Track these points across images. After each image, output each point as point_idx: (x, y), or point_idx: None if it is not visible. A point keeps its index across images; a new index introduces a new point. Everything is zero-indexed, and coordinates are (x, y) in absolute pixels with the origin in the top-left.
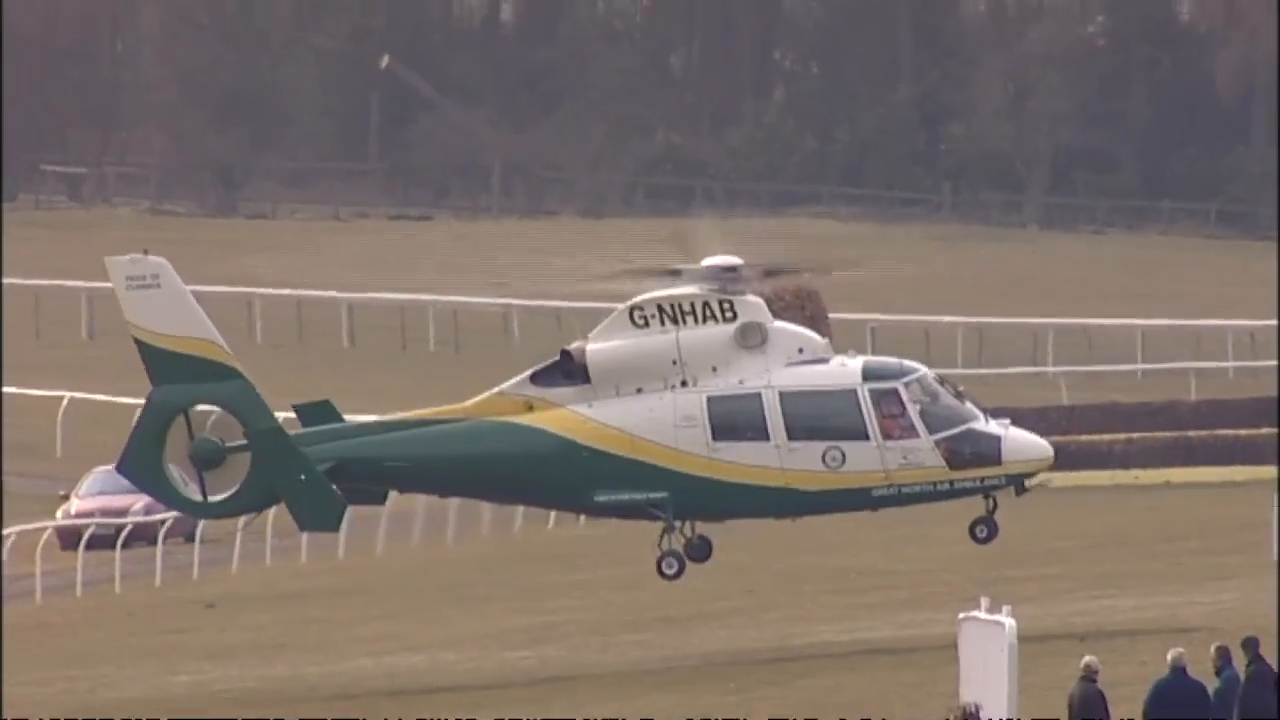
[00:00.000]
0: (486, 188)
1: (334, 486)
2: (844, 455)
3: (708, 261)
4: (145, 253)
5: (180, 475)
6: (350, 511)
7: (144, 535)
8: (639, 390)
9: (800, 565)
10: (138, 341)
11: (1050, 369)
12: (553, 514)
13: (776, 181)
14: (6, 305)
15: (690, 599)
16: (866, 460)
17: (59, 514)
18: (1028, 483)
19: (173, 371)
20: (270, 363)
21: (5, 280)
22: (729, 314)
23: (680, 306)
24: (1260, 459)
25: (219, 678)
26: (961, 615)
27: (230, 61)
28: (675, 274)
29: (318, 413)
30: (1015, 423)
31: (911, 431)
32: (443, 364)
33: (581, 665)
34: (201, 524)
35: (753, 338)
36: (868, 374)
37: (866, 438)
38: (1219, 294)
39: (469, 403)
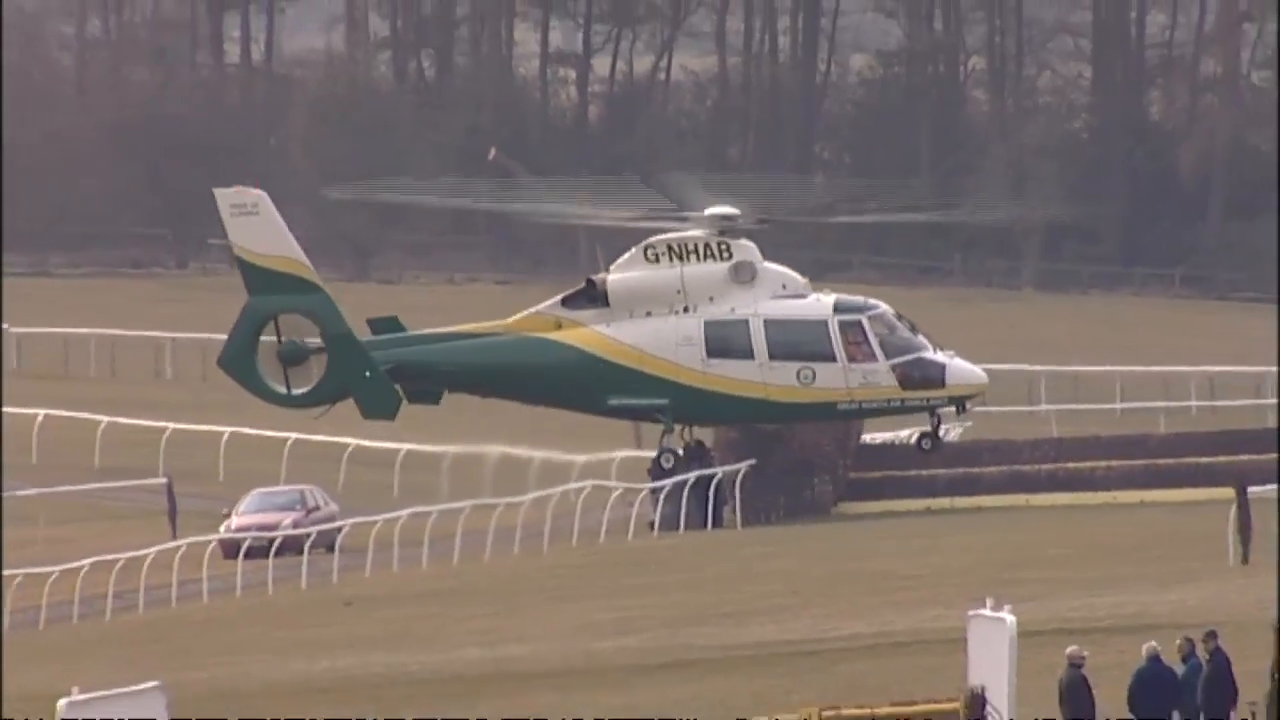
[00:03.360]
0: (575, 256)
1: (394, 385)
2: (815, 374)
3: (710, 210)
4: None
5: (267, 371)
6: (460, 525)
7: (292, 546)
8: (648, 314)
9: (837, 570)
10: (239, 260)
11: (1043, 408)
12: (631, 528)
13: (815, 250)
14: (179, 357)
15: (745, 598)
16: (833, 379)
17: (221, 529)
18: (966, 404)
19: (266, 284)
20: None
21: (180, 335)
22: (726, 254)
23: (686, 245)
24: (1217, 481)
25: (354, 664)
26: (970, 612)
27: (364, 153)
28: (683, 219)
29: (385, 325)
30: (1012, 455)
31: (871, 356)
32: None
33: (655, 653)
34: (341, 535)
35: (744, 274)
36: (838, 308)
37: (834, 360)
38: (1183, 345)
39: (509, 319)
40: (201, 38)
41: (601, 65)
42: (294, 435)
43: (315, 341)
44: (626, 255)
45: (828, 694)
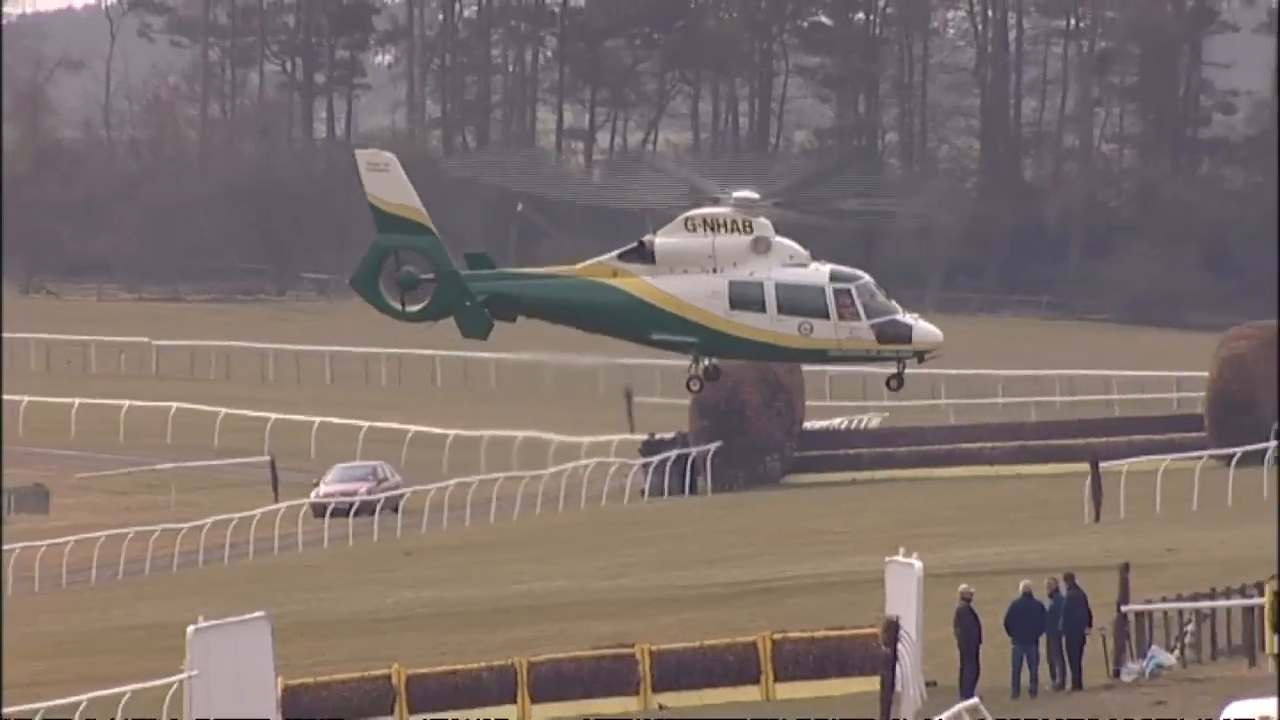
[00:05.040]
0: None
1: (486, 310)
2: (813, 327)
3: (736, 194)
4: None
5: (387, 293)
6: (495, 492)
7: (366, 509)
8: (685, 271)
9: (785, 528)
10: (371, 206)
11: (943, 402)
12: (627, 493)
13: None
14: (280, 364)
15: (714, 549)
16: (826, 332)
17: (312, 495)
18: (926, 356)
19: (391, 226)
20: (451, 394)
21: (280, 346)
22: (748, 229)
23: (717, 220)
24: (1075, 459)
25: (414, 599)
26: (887, 559)
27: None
28: (716, 200)
29: (479, 259)
30: (920, 438)
31: (857, 316)
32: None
33: (647, 590)
34: (403, 501)
35: (761, 246)
36: (833, 276)
37: (828, 317)
38: (1050, 354)
39: (577, 265)
40: (296, 118)
41: (603, 139)
42: (367, 424)
43: (427, 274)
44: (669, 224)
45: (777, 622)
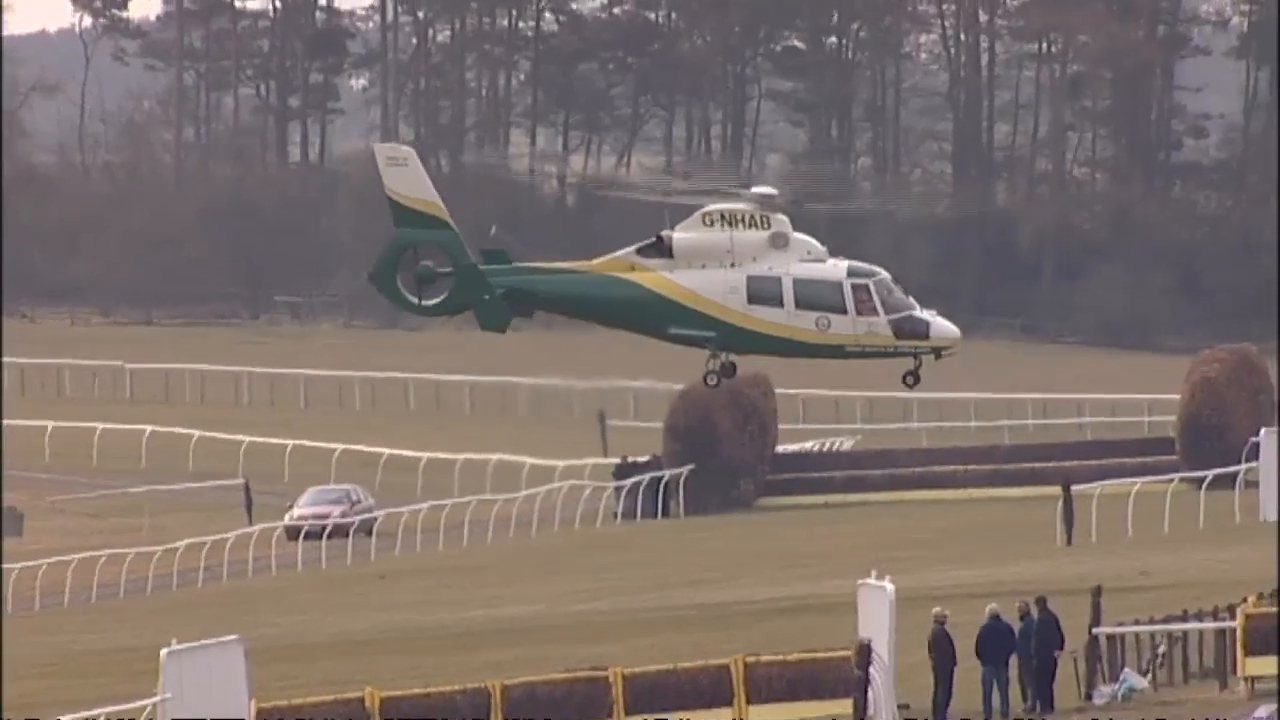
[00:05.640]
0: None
1: (504, 304)
2: (830, 321)
3: (754, 189)
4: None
5: (405, 286)
6: (468, 515)
7: (340, 532)
8: (704, 266)
9: (757, 550)
10: (389, 200)
11: (915, 425)
12: (600, 516)
13: None
14: (254, 387)
15: (687, 571)
16: (844, 327)
17: (286, 518)
18: (943, 353)
19: (408, 220)
20: (424, 417)
21: (254, 369)
22: (765, 224)
23: (735, 215)
24: (1048, 482)
25: (388, 621)
26: (859, 582)
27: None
28: (734, 196)
29: (495, 255)
30: (892, 461)
31: (874, 311)
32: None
33: (620, 614)
34: (377, 524)
35: (779, 241)
36: (850, 272)
37: (845, 312)
38: (1022, 378)
39: (595, 261)
40: (270, 141)
41: (576, 162)
42: (341, 447)
43: (444, 268)
44: (687, 220)
45: (750, 645)
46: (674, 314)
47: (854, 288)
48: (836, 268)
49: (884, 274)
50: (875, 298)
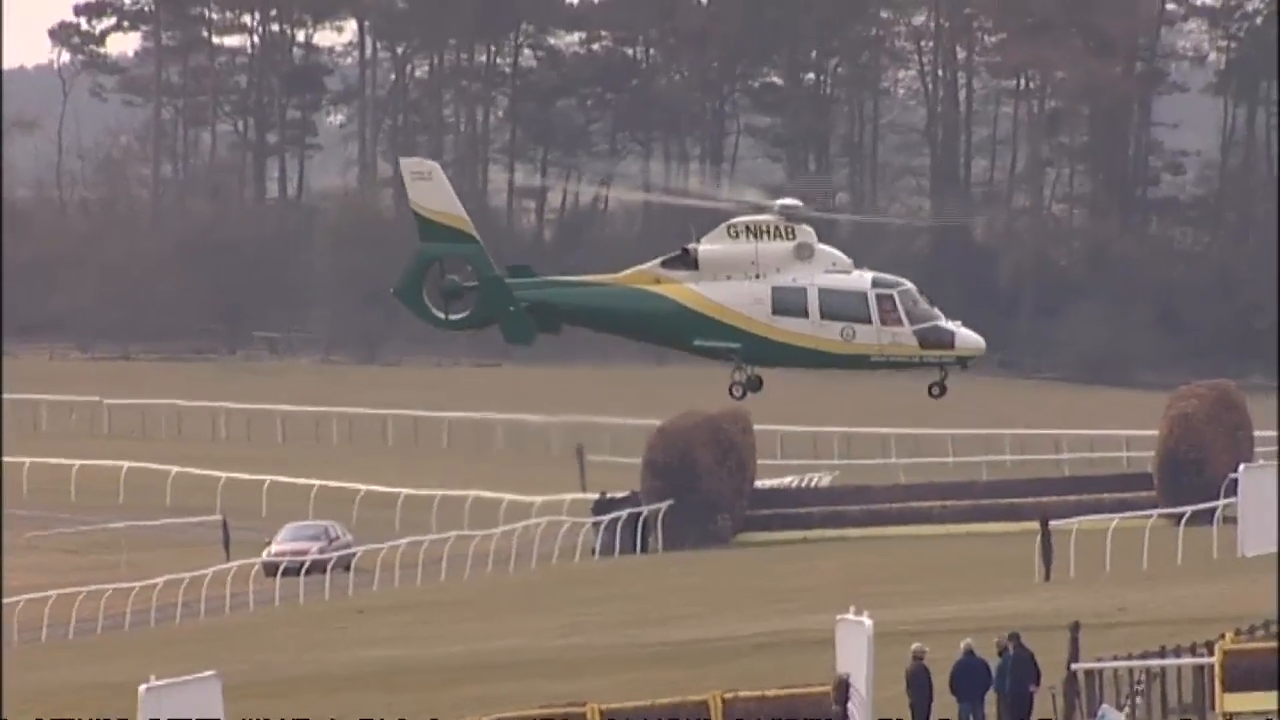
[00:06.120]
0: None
1: (529, 316)
2: (855, 332)
3: (780, 201)
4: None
5: (431, 301)
6: (446, 551)
7: (318, 568)
8: (729, 277)
9: (736, 586)
10: (415, 213)
11: (894, 460)
12: (578, 552)
13: None
14: (231, 423)
15: (666, 607)
16: (869, 337)
17: (264, 554)
18: (968, 363)
19: (434, 234)
20: (402, 453)
21: (231, 405)
22: (790, 235)
23: (760, 226)
24: (1026, 517)
25: (366, 658)
26: (838, 617)
27: (374, 268)
28: (759, 208)
29: (519, 270)
30: (870, 497)
31: (899, 321)
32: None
33: (598, 649)
34: (355, 559)
35: (804, 252)
36: (875, 282)
37: (870, 322)
38: (1000, 413)
39: (620, 274)
40: (248, 178)
41: (554, 198)
42: (318, 483)
43: (470, 282)
44: (713, 232)
45: (728, 681)
46: (699, 326)
47: (879, 298)
48: (861, 278)
49: (909, 284)
50: (900, 308)
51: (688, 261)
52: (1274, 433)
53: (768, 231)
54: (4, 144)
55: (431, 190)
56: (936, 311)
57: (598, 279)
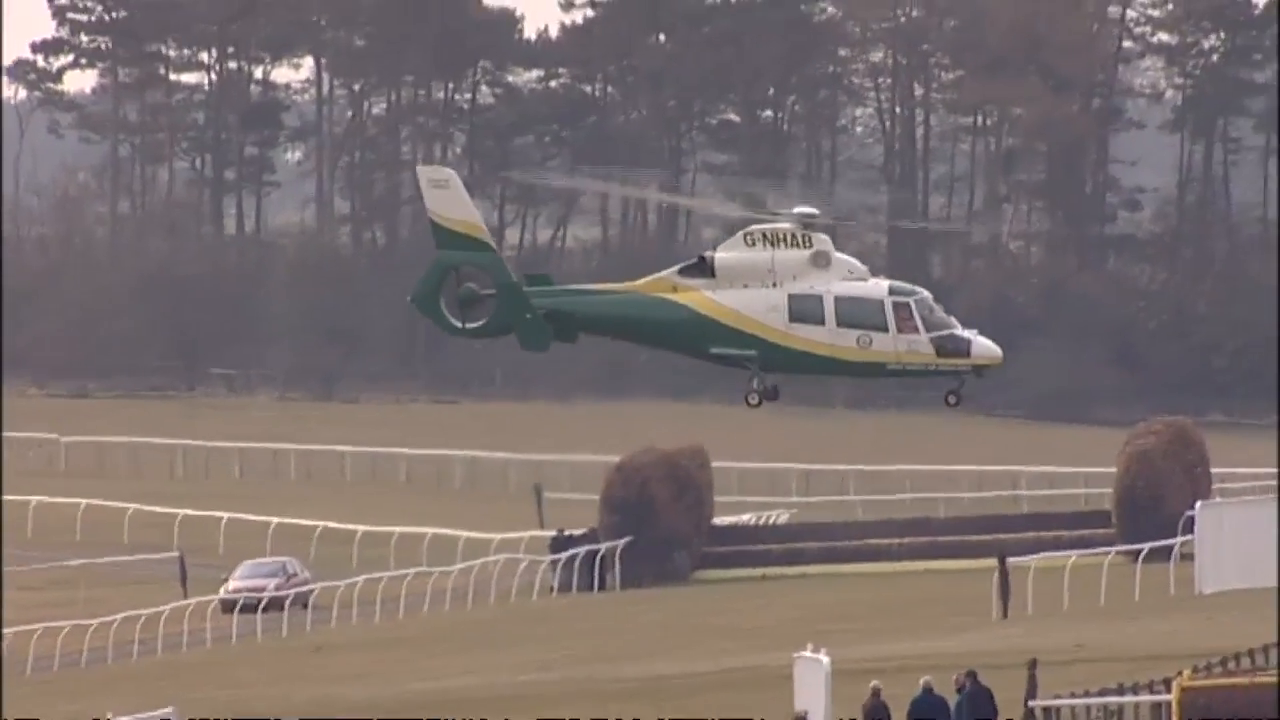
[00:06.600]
0: (492, 381)
1: (545, 324)
2: (871, 340)
3: (796, 209)
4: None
5: (448, 309)
6: (404, 588)
7: (275, 605)
8: (745, 285)
9: (694, 623)
10: (432, 223)
11: (851, 498)
12: (536, 589)
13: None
14: (189, 460)
15: (624, 644)
16: (885, 345)
17: (221, 590)
18: (984, 372)
19: (451, 242)
20: (360, 490)
21: (189, 442)
22: (807, 243)
23: (777, 234)
24: (983, 554)
25: (324, 695)
26: (795, 654)
27: (331, 305)
28: (776, 215)
29: (537, 279)
30: (828, 534)
31: (915, 330)
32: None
33: (555, 686)
34: (313, 596)
35: (821, 260)
36: (891, 290)
37: (886, 330)
38: (958, 450)
39: (637, 282)
40: (206, 214)
41: (512, 235)
42: (276, 519)
43: (487, 290)
44: (729, 240)
45: (688, 717)
46: (715, 333)
47: (895, 306)
48: (878, 286)
49: (925, 293)
50: (916, 316)
51: (705, 269)
52: (1233, 469)
53: (785, 239)
54: None
55: (449, 199)
56: (953, 320)
57: (615, 287)
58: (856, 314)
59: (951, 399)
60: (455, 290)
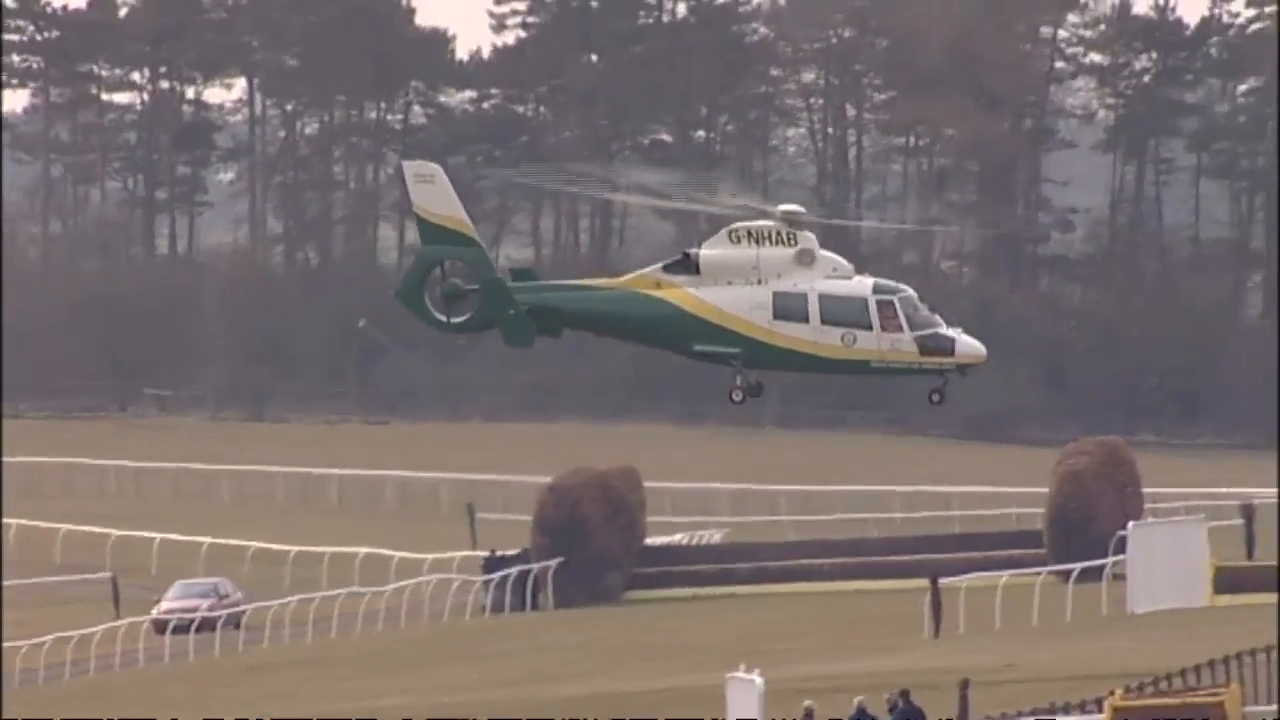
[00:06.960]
0: (421, 403)
1: (529, 320)
2: (855, 338)
3: (781, 208)
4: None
5: (432, 304)
6: (337, 608)
7: (208, 625)
8: (730, 282)
9: (626, 643)
10: (417, 217)
11: (783, 518)
12: (469, 609)
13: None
14: (121, 480)
15: (556, 664)
16: (869, 343)
17: (154, 611)
18: (968, 370)
19: (435, 237)
20: (292, 511)
21: (121, 463)
22: (792, 241)
23: (762, 232)
24: (916, 575)
25: (255, 714)
26: (728, 675)
27: (263, 325)
28: (762, 213)
29: (522, 274)
30: (759, 555)
31: (899, 328)
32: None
33: (488, 707)
34: (245, 616)
35: (805, 258)
36: (876, 288)
37: (870, 328)
38: (890, 470)
39: (621, 278)
40: (137, 235)
41: None
42: (208, 540)
43: (471, 285)
44: (714, 237)
45: None
46: (699, 330)
47: (879, 304)
48: (862, 284)
49: (910, 291)
50: (900, 314)
51: (689, 266)
52: (1163, 489)
53: (769, 237)
54: None
55: (434, 193)
56: (937, 319)
57: (599, 283)
58: (841, 312)
59: (935, 398)
60: (441, 285)
